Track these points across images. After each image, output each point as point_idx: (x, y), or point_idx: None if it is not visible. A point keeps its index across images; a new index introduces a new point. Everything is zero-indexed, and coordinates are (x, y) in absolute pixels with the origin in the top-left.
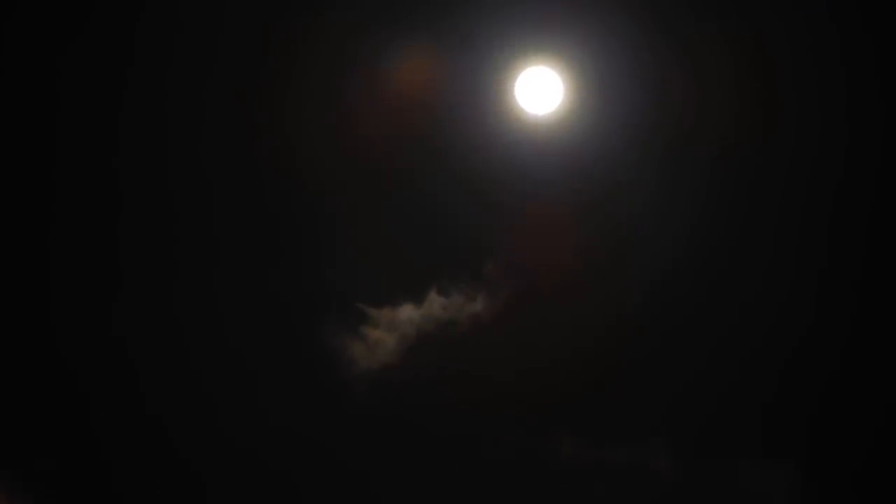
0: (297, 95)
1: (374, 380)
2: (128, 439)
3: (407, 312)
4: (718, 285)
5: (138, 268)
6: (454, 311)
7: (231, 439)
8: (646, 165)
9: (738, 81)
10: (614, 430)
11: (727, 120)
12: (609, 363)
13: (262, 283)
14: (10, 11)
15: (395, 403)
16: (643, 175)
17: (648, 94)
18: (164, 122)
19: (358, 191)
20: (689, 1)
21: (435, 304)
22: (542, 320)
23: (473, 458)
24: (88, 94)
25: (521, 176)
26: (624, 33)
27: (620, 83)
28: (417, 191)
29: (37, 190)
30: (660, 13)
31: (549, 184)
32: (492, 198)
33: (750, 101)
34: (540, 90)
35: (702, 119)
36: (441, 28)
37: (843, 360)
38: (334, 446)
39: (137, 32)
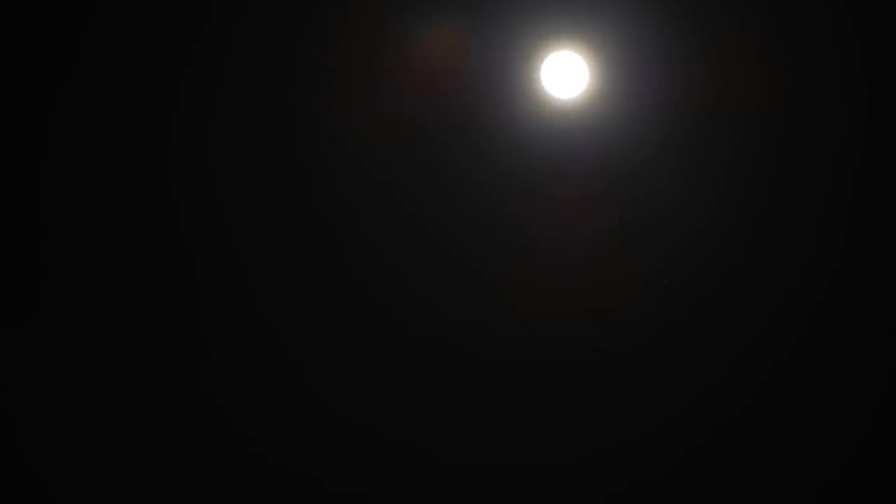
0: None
1: None
2: None
3: None
4: (734, 265)
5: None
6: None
7: None
8: (669, 150)
9: (762, 68)
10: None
11: (750, 106)
12: (621, 332)
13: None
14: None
15: None
16: (666, 159)
17: (673, 80)
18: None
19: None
20: None
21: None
22: (562, 287)
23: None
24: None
25: (546, 156)
26: (649, 19)
27: (646, 69)
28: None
29: None
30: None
31: (573, 163)
32: (518, 175)
33: (774, 89)
34: (565, 75)
35: (725, 105)
36: (465, 13)
37: (855, 346)
38: None
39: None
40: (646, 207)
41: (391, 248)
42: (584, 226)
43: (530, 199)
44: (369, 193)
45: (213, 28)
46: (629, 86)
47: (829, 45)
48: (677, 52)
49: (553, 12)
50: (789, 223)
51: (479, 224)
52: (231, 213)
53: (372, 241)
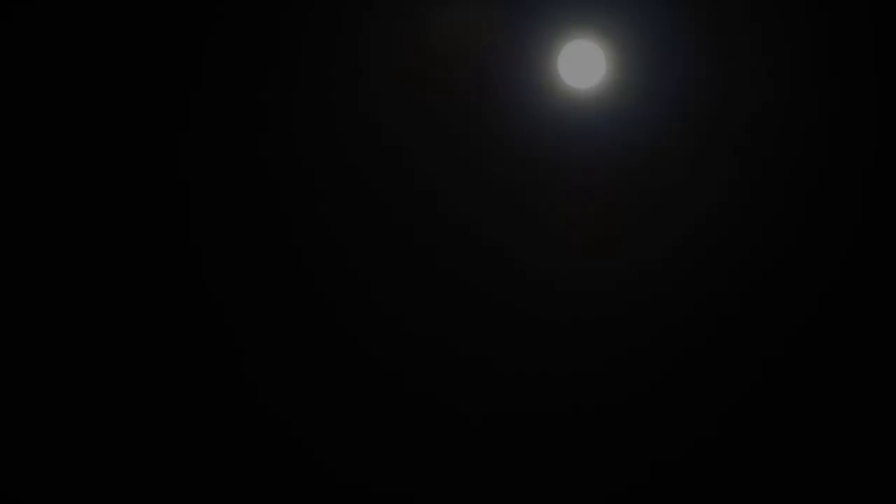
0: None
1: None
2: None
3: None
4: (750, 254)
5: None
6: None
7: None
8: (686, 140)
9: (781, 59)
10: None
11: (769, 97)
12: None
13: None
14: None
15: None
16: (683, 149)
17: (691, 70)
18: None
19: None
20: None
21: None
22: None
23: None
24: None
25: (563, 146)
26: (667, 9)
27: (663, 59)
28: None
29: None
30: None
31: (589, 152)
32: (536, 165)
33: (791, 81)
34: (583, 65)
35: (743, 95)
36: (483, 3)
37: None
38: None
39: None
40: (661, 198)
41: (415, 234)
42: (600, 215)
43: (548, 188)
44: (393, 185)
45: (227, 22)
46: (647, 76)
47: (847, 36)
48: (695, 42)
49: (570, 2)
50: (807, 213)
51: (496, 213)
52: (249, 213)
53: (398, 230)
